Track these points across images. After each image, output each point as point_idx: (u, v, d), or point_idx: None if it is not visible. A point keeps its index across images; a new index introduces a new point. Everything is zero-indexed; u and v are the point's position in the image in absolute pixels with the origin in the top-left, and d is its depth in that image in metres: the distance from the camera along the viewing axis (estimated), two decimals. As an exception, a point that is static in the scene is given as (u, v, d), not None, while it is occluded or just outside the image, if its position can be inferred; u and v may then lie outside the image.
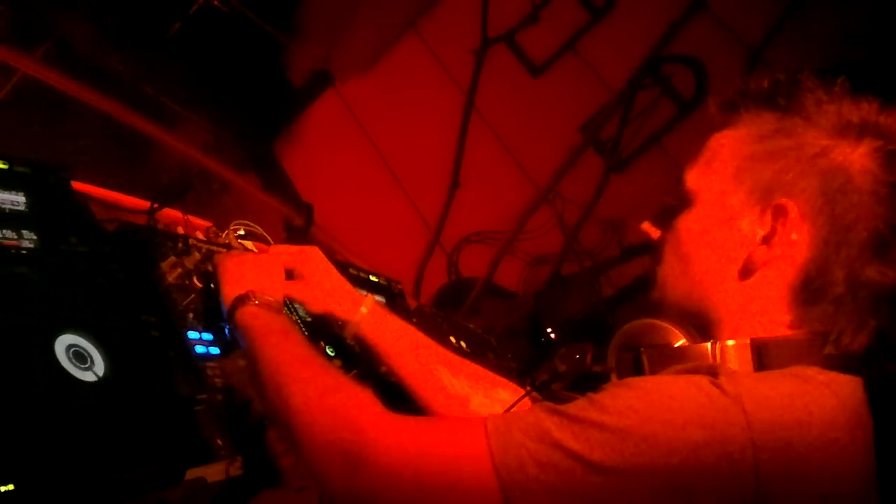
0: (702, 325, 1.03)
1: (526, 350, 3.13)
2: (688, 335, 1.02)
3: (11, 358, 0.96)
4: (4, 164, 1.16)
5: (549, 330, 3.18)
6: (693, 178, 1.06)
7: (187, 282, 1.30)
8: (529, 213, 3.47)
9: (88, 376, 1.03)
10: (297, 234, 1.96)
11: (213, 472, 1.11)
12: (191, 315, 1.27)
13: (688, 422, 0.84)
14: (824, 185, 0.95)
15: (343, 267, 1.71)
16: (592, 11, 3.94)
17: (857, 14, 3.05)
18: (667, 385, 0.89)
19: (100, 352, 1.06)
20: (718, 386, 0.87)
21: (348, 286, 1.42)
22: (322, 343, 1.45)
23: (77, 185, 1.30)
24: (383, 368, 1.40)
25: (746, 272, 0.99)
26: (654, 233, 1.12)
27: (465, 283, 3.66)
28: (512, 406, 1.25)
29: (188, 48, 3.94)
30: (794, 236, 0.96)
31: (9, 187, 1.14)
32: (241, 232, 1.60)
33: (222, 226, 1.56)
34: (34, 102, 3.49)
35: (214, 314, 1.30)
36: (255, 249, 1.61)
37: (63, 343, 1.03)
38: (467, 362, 1.44)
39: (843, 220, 0.95)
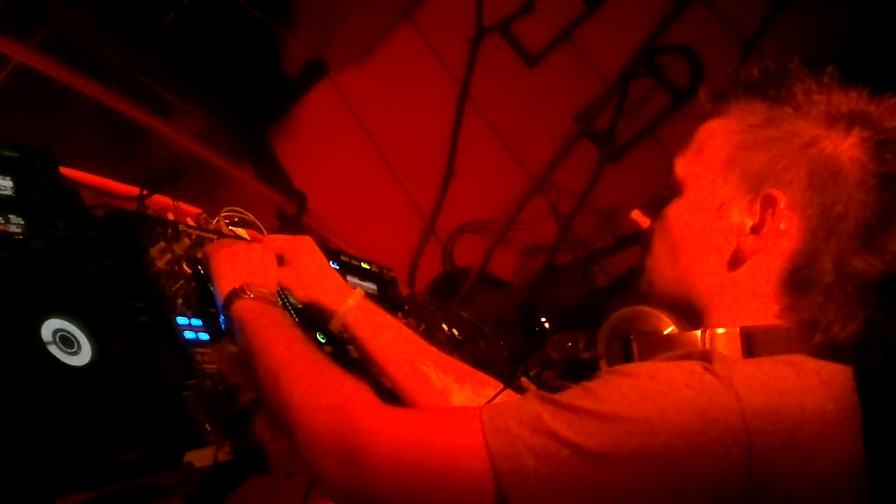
0: (690, 314, 1.03)
1: (520, 339, 3.13)
2: (677, 323, 1.02)
3: (-3, 342, 0.96)
4: (-8, 148, 1.16)
5: (542, 319, 3.18)
6: (682, 167, 1.05)
7: (176, 267, 1.30)
8: (523, 203, 3.47)
9: (75, 361, 1.03)
10: (290, 222, 1.96)
11: (202, 457, 1.12)
12: (180, 301, 1.27)
13: (681, 408, 0.85)
14: (813, 175, 0.95)
15: (334, 254, 1.71)
16: (588, 2, 3.92)
17: (851, 5, 3.05)
18: (660, 372, 0.89)
19: (87, 336, 1.06)
20: (711, 371, 0.87)
21: (337, 277, 1.42)
22: (313, 330, 1.45)
23: (66, 171, 1.29)
24: (369, 362, 1.39)
25: (735, 262, 0.99)
26: (644, 221, 1.12)
27: (459, 273, 3.66)
28: (499, 393, 1.26)
29: (183, 38, 3.93)
30: (783, 226, 0.96)
31: (-4, 171, 1.14)
32: (236, 220, 1.61)
33: (213, 213, 1.56)
34: (29, 91, 3.48)
35: (206, 300, 1.30)
36: (247, 237, 1.61)
37: (50, 328, 1.03)
38: (455, 360, 1.44)
39: (831, 210, 0.95)
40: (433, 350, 1.42)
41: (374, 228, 3.68)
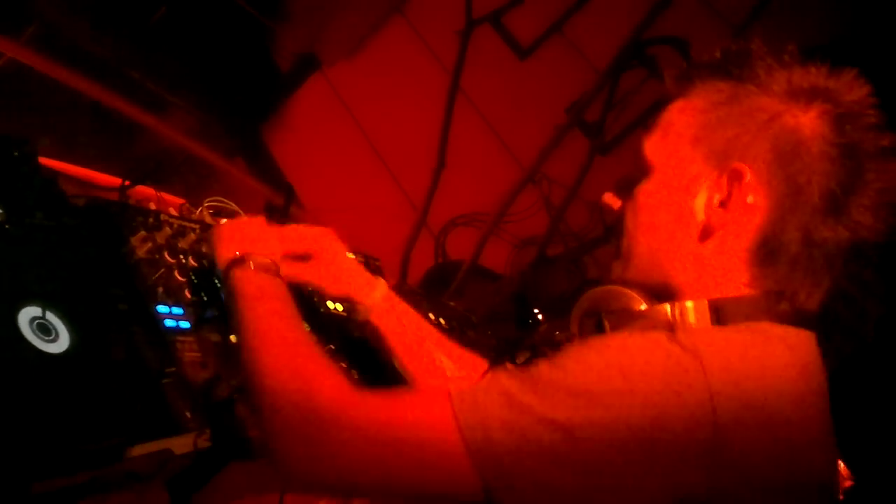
0: (664, 292, 1.04)
1: (512, 331, 3.13)
2: (648, 300, 1.03)
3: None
4: (-32, 137, 1.16)
5: (535, 311, 3.18)
6: (650, 147, 1.08)
7: (157, 256, 1.30)
8: (514, 195, 3.47)
9: (53, 348, 1.03)
10: (277, 213, 1.96)
11: (181, 444, 1.12)
12: (160, 289, 1.27)
13: (646, 376, 0.87)
14: (777, 149, 0.98)
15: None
16: (579, -7, 3.92)
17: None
18: (625, 342, 0.91)
19: (65, 324, 1.07)
20: (675, 340, 0.90)
21: (361, 269, 1.46)
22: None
23: (46, 161, 1.29)
24: (385, 349, 1.44)
25: (705, 236, 1.01)
26: (616, 203, 1.14)
27: (451, 266, 3.66)
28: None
29: (174, 33, 3.92)
30: (749, 199, 0.98)
31: (-28, 161, 1.14)
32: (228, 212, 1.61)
33: (197, 203, 1.56)
34: (21, 87, 3.48)
35: (204, 281, 1.32)
36: None
37: (27, 315, 1.03)
38: (467, 351, 1.49)
39: (795, 181, 0.97)
40: (447, 341, 1.47)
41: (367, 221, 3.68)
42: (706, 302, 0.98)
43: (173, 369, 1.17)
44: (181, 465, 1.14)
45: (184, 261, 1.34)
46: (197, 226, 1.43)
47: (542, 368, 0.90)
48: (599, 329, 1.04)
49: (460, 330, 1.96)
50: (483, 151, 4.00)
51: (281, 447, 0.96)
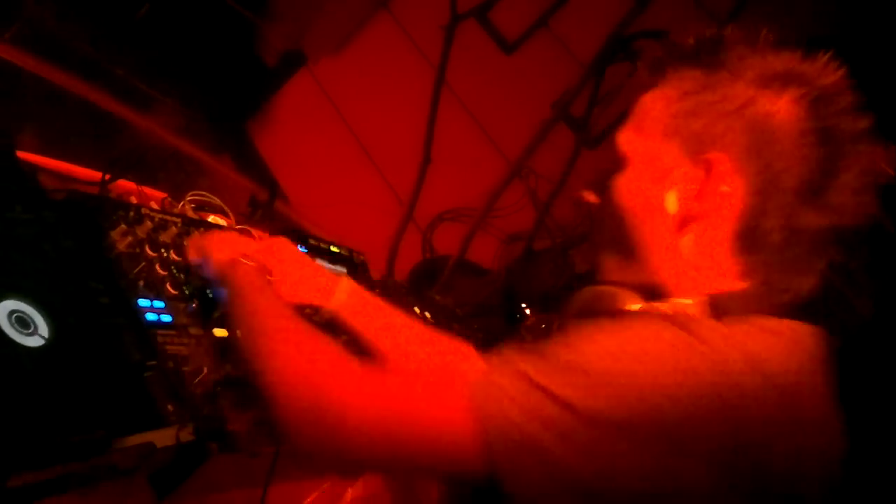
0: (651, 289, 1.02)
1: (500, 325, 3.13)
2: (641, 298, 1.01)
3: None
4: (-55, 131, 1.15)
5: (523, 305, 3.19)
6: (625, 140, 1.06)
7: (138, 250, 1.30)
8: (500, 190, 3.47)
9: (32, 341, 1.03)
10: (261, 209, 1.95)
11: (163, 438, 1.11)
12: (141, 283, 1.27)
13: (660, 361, 0.85)
14: (752, 135, 0.96)
15: (303, 237, 1.71)
16: (565, -13, 3.92)
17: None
18: (639, 327, 0.89)
19: (44, 317, 1.06)
20: (692, 332, 0.87)
21: (321, 272, 1.40)
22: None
23: (25, 156, 1.29)
24: (361, 344, 1.39)
25: (683, 229, 1.00)
26: (593, 199, 1.11)
27: (439, 261, 3.66)
28: None
29: (159, 29, 3.90)
30: (725, 188, 0.97)
31: (-50, 155, 1.13)
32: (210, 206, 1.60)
33: (178, 197, 1.55)
34: (7, 85, 3.46)
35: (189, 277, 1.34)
36: (222, 223, 1.60)
37: (5, 309, 1.02)
38: (443, 337, 1.43)
39: (772, 168, 0.96)
40: (422, 327, 1.42)
41: (354, 217, 3.68)
42: (706, 298, 0.96)
43: (155, 362, 1.17)
44: (164, 458, 1.13)
45: (165, 254, 1.33)
46: (179, 220, 1.43)
47: (558, 350, 0.88)
48: None
49: (446, 324, 1.96)
50: (469, 146, 4.00)
51: (291, 429, 0.95)
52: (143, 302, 1.24)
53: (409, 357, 1.38)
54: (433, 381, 0.94)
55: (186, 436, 1.14)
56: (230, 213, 1.62)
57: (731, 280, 0.99)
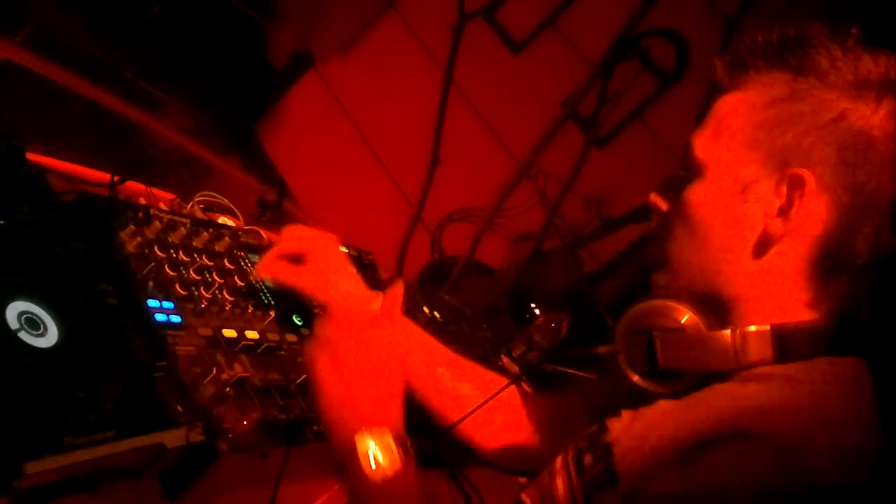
0: (715, 305, 0.99)
1: (509, 325, 3.12)
2: (704, 319, 0.97)
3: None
4: (-46, 132, 1.16)
5: (532, 305, 3.18)
6: (702, 147, 1.01)
7: (147, 251, 1.29)
8: (509, 190, 3.46)
9: (42, 342, 1.03)
10: (270, 209, 1.96)
11: (173, 438, 1.11)
12: (151, 283, 1.26)
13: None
14: (843, 152, 0.91)
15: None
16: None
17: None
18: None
19: (53, 318, 1.06)
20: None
21: (359, 282, 1.35)
22: (291, 313, 1.46)
23: (34, 157, 1.29)
24: None
25: (762, 247, 0.96)
26: (663, 205, 1.07)
27: (448, 262, 3.65)
28: (503, 388, 1.25)
29: (167, 32, 3.92)
30: (812, 207, 0.92)
31: (-42, 156, 1.14)
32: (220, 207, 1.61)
33: (187, 198, 1.55)
34: (16, 87, 3.47)
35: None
36: (229, 222, 1.60)
37: (15, 310, 1.02)
38: (468, 363, 1.44)
39: (863, 188, 0.91)
40: (445, 350, 1.41)
41: (362, 217, 3.67)
42: (769, 330, 0.93)
43: (164, 363, 1.17)
44: (174, 459, 1.13)
45: (174, 255, 1.33)
46: (188, 220, 1.43)
47: None
48: (650, 349, 0.98)
49: (455, 324, 1.96)
50: (478, 146, 3.99)
51: None
52: (152, 303, 1.24)
53: (427, 377, 1.36)
54: None
55: (196, 436, 1.13)
56: (239, 214, 1.62)
57: (799, 307, 0.96)
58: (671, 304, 0.99)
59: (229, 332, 1.30)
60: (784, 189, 0.93)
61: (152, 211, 1.36)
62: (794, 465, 0.82)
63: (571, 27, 3.94)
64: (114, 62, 3.80)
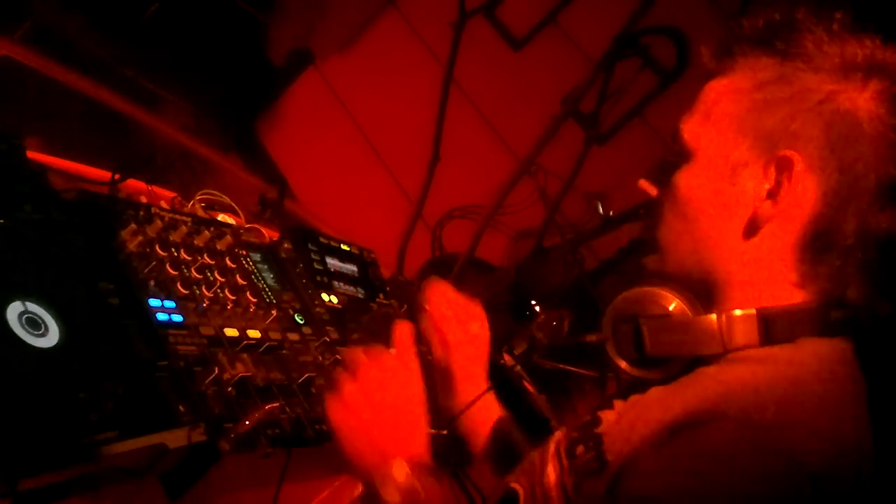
0: (706, 289, 0.99)
1: (510, 322, 3.12)
2: (690, 304, 0.98)
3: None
4: (-45, 132, 1.15)
5: (532, 302, 3.18)
6: (690, 132, 1.01)
7: (148, 249, 1.29)
8: (510, 187, 3.45)
9: (42, 342, 1.02)
10: (271, 207, 1.96)
11: (175, 438, 1.11)
12: (152, 282, 1.26)
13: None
14: (830, 134, 0.91)
15: (314, 235, 1.71)
16: (573, -17, 3.90)
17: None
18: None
19: (54, 318, 1.05)
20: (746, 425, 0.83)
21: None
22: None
23: (35, 156, 1.28)
24: None
25: (751, 229, 0.96)
26: (652, 190, 1.07)
27: (448, 259, 3.65)
28: (479, 397, 1.25)
29: (167, 29, 3.91)
30: (800, 189, 0.92)
31: (-41, 155, 1.13)
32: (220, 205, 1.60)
33: (188, 196, 1.55)
34: (16, 85, 3.47)
35: None
36: (231, 221, 1.59)
37: (15, 310, 1.02)
38: None
39: (851, 169, 0.91)
40: None
41: (363, 215, 3.67)
42: (755, 313, 0.93)
43: (166, 363, 1.16)
44: (175, 459, 1.13)
45: (175, 254, 1.33)
46: (189, 219, 1.42)
47: None
48: (637, 336, 0.99)
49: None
50: (478, 143, 3.98)
51: None
52: (153, 302, 1.23)
53: None
54: None
55: (198, 436, 1.13)
56: (240, 212, 1.62)
57: (787, 289, 0.96)
58: (658, 290, 1.00)
59: (231, 332, 1.30)
60: (772, 171, 0.94)
61: (153, 209, 1.36)
62: (772, 444, 0.82)
63: (572, 24, 3.93)
64: (114, 60, 3.80)
